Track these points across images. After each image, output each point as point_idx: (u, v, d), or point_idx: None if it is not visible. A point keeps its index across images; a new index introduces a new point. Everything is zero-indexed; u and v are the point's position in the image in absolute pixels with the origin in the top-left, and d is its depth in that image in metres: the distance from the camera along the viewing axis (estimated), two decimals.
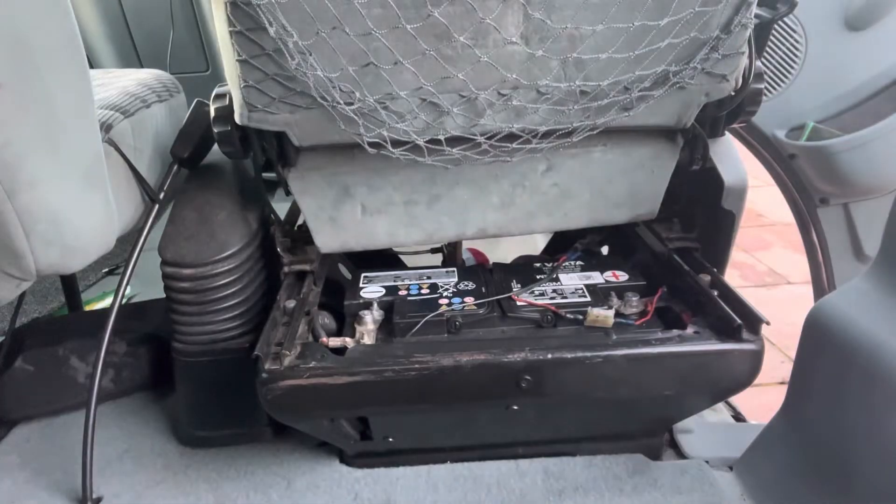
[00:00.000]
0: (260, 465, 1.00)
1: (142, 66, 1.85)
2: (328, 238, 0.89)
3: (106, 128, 0.86)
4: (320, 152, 0.83)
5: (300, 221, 0.97)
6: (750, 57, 0.74)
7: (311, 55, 0.65)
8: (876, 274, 0.81)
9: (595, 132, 0.75)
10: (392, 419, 0.90)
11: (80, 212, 0.77)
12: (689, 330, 0.79)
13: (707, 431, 1.04)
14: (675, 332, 0.79)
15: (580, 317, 0.83)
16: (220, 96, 0.80)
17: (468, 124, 0.73)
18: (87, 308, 1.57)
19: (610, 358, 0.76)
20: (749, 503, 0.88)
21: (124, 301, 1.10)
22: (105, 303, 1.74)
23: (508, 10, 0.65)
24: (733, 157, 0.92)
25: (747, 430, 1.03)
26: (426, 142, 0.73)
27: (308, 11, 0.63)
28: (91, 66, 0.80)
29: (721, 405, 1.17)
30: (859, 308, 0.79)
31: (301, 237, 0.95)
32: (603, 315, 0.81)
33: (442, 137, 0.73)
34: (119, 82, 1.03)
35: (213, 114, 0.80)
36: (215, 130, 0.80)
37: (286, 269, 0.95)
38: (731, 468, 0.95)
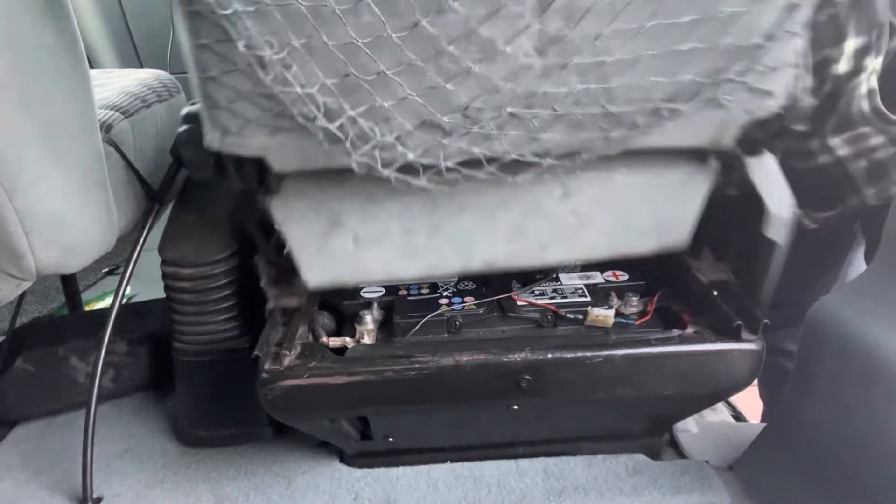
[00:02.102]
0: (260, 465, 1.00)
1: (142, 66, 1.85)
2: (316, 272, 0.80)
3: (106, 128, 0.86)
4: (306, 177, 0.74)
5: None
6: (800, 70, 0.65)
7: (292, 69, 0.58)
8: (876, 274, 0.81)
9: (618, 155, 0.67)
10: (392, 419, 0.90)
11: (80, 212, 0.77)
12: (689, 330, 0.79)
13: (707, 431, 1.04)
14: (675, 332, 0.79)
15: (580, 317, 0.83)
16: (189, 116, 0.73)
17: (471, 147, 0.65)
18: (87, 308, 1.57)
19: (610, 358, 0.76)
20: (749, 503, 0.88)
21: (124, 301, 1.10)
22: (105, 303, 1.74)
23: (521, 20, 0.58)
24: (776, 179, 0.80)
25: (747, 430, 1.03)
26: (423, 168, 0.66)
27: (281, 20, 0.55)
28: (91, 66, 0.80)
29: (721, 405, 1.17)
30: (859, 308, 0.79)
31: (290, 266, 0.83)
32: (603, 315, 0.81)
33: (443, 165, 0.65)
34: (119, 82, 1.03)
35: (181, 137, 0.74)
36: (184, 155, 0.74)
37: (271, 304, 0.85)
38: (731, 468, 0.95)
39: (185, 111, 0.74)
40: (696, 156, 0.75)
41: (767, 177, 0.79)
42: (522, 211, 0.78)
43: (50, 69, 0.69)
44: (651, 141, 0.66)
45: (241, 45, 0.55)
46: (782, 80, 0.64)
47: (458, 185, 0.68)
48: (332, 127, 0.60)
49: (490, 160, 0.66)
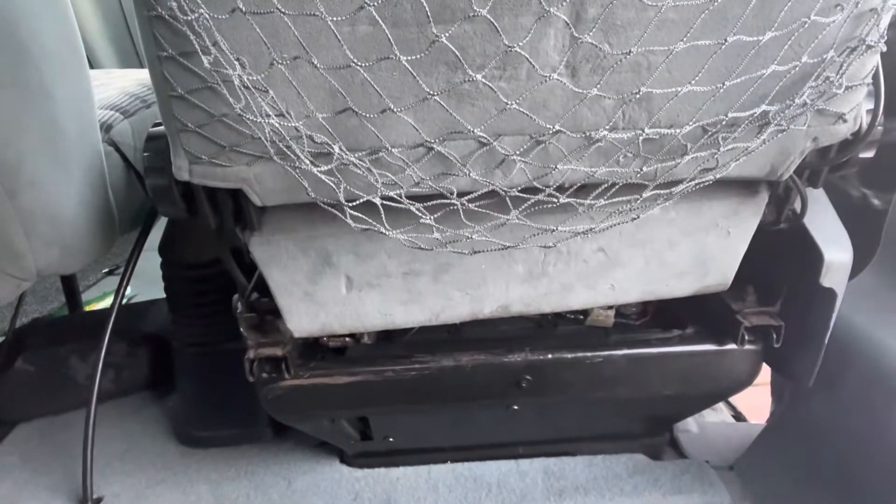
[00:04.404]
0: (260, 465, 1.00)
1: (142, 66, 1.85)
2: (303, 319, 0.70)
3: (106, 128, 0.86)
4: (291, 211, 0.63)
5: None
6: (876, 89, 0.56)
7: (269, 94, 0.48)
8: (876, 273, 0.81)
9: (666, 195, 0.57)
10: (392, 419, 0.90)
11: (80, 212, 0.77)
12: (689, 330, 0.79)
13: (707, 431, 1.04)
14: (675, 332, 0.79)
15: (580, 317, 0.83)
16: (154, 138, 0.61)
17: (486, 178, 0.56)
18: (87, 308, 1.57)
19: (610, 358, 0.76)
20: (749, 503, 0.88)
21: (124, 301, 1.10)
22: (105, 303, 1.74)
23: (550, 30, 0.48)
24: (830, 217, 0.72)
25: (747, 430, 1.03)
26: (426, 205, 0.55)
27: (259, 33, 0.46)
28: (91, 66, 0.80)
29: (721, 405, 1.17)
30: (859, 308, 0.79)
31: (272, 310, 0.74)
32: (603, 315, 0.81)
33: (461, 208, 0.54)
34: (119, 82, 1.03)
35: (144, 163, 0.61)
36: (148, 184, 0.61)
37: (251, 354, 0.75)
38: (731, 468, 0.95)
39: (150, 132, 0.61)
40: (743, 186, 0.66)
41: (820, 214, 0.71)
42: (542, 248, 0.68)
43: (50, 69, 0.69)
44: (698, 171, 0.56)
45: (206, 62, 0.46)
46: (854, 102, 0.55)
47: (469, 234, 0.57)
48: (319, 172, 0.51)
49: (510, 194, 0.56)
